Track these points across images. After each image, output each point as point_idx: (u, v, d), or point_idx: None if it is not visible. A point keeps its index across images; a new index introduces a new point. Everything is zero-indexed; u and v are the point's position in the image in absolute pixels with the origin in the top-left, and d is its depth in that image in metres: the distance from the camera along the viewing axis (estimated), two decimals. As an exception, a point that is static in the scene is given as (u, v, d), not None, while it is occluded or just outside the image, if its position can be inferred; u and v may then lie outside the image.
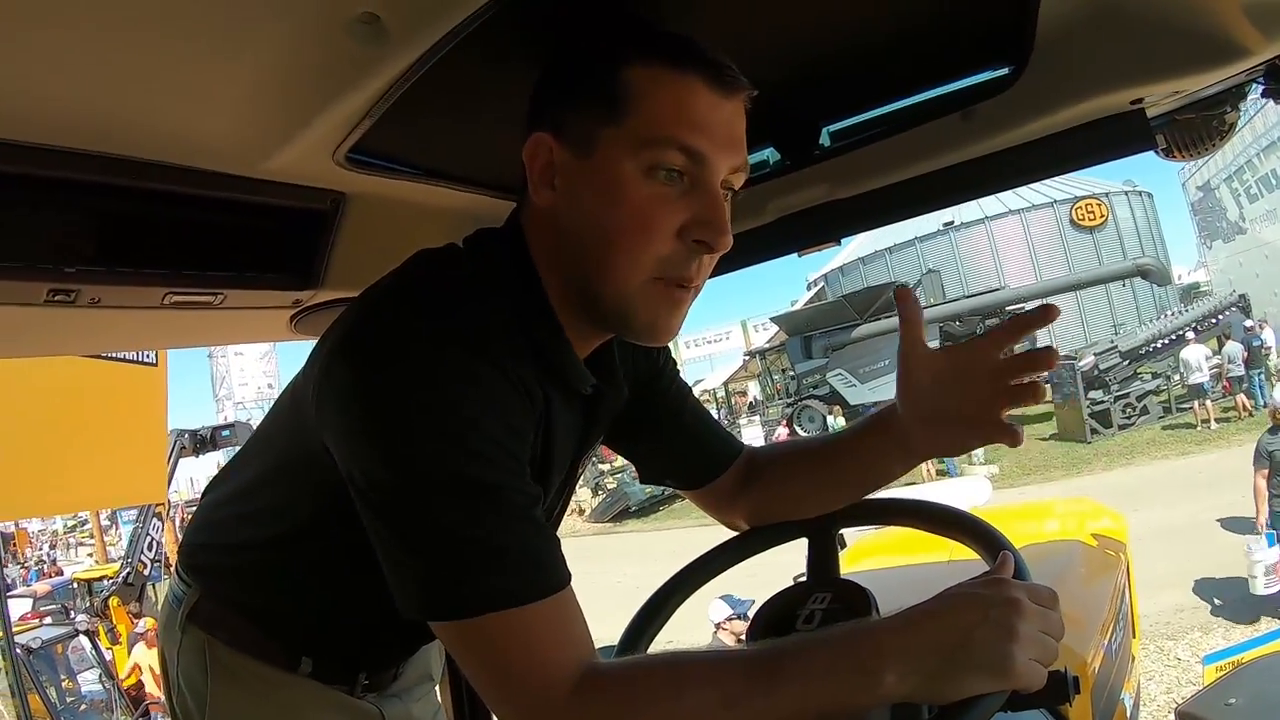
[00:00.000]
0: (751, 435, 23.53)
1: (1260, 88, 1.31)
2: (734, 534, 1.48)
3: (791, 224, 1.61)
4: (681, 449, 1.43)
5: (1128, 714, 3.21)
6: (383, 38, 0.86)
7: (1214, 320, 20.40)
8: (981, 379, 1.19)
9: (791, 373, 28.46)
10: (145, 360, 9.87)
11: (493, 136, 1.28)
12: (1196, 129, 1.45)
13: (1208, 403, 17.71)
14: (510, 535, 0.88)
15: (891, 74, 1.37)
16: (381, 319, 0.95)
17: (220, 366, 51.89)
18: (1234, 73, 1.24)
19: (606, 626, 1.39)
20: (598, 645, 0.93)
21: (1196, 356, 17.90)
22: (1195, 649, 7.32)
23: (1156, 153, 1.48)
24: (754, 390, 36.57)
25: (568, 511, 1.36)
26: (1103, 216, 29.33)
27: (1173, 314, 22.24)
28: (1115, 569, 3.67)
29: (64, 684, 9.99)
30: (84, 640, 10.45)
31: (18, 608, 12.13)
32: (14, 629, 8.33)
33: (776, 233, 1.62)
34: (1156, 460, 16.40)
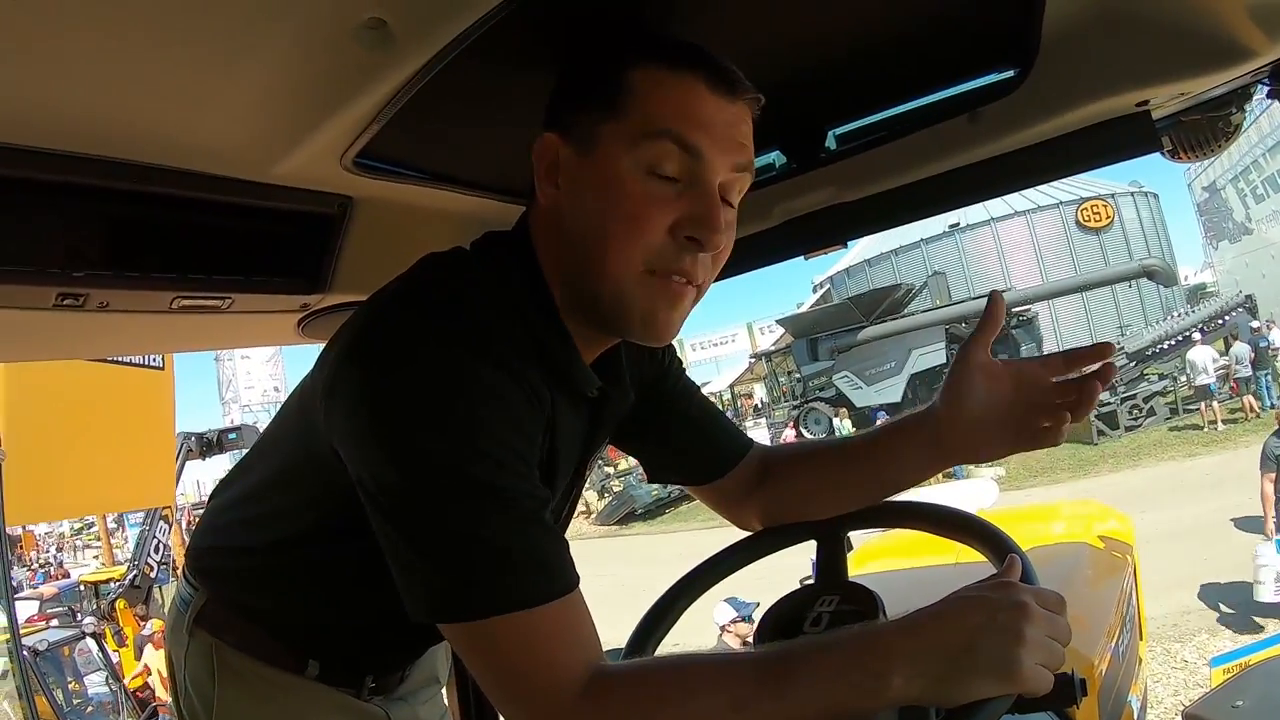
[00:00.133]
0: (757, 437, 23.25)
1: (1265, 89, 1.31)
2: (742, 536, 1.48)
3: (798, 227, 1.61)
4: (689, 444, 1.43)
5: (1134, 717, 3.21)
6: (389, 43, 0.87)
7: (1220, 321, 20.33)
8: (1034, 394, 1.21)
9: (797, 375, 28.47)
10: (152, 364, 9.90)
11: (499, 141, 1.29)
12: (1202, 130, 1.44)
13: (1214, 404, 17.65)
14: (519, 537, 0.88)
15: (897, 77, 1.36)
16: (389, 322, 0.95)
17: (227, 370, 52.04)
18: (1239, 74, 1.24)
19: (613, 629, 1.39)
20: (605, 648, 0.94)
21: (1203, 358, 17.86)
22: (1202, 651, 7.29)
23: (1162, 154, 1.48)
24: (760, 393, 36.57)
25: (574, 514, 1.36)
26: (1109, 218, 29.25)
27: (1179, 315, 22.19)
28: (1122, 571, 3.66)
29: (70, 686, 10.01)
30: (91, 642, 10.47)
31: (25, 610, 12.16)
32: (21, 631, 8.33)
33: (783, 235, 1.62)
34: (1163, 462, 16.35)
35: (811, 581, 1.34)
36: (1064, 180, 26.30)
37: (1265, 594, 7.56)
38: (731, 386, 40.90)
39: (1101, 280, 24.71)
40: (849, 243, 1.73)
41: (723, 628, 6.59)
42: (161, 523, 13.57)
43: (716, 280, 1.13)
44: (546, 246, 1.07)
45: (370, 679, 1.28)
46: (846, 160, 1.48)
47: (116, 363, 9.12)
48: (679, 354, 1.46)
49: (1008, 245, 29.43)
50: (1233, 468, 12.92)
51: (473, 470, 0.87)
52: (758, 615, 1.23)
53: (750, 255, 1.63)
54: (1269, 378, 17.87)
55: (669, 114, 0.96)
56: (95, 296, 1.15)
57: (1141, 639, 3.72)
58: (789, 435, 24.63)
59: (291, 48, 0.87)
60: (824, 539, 1.38)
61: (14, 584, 10.44)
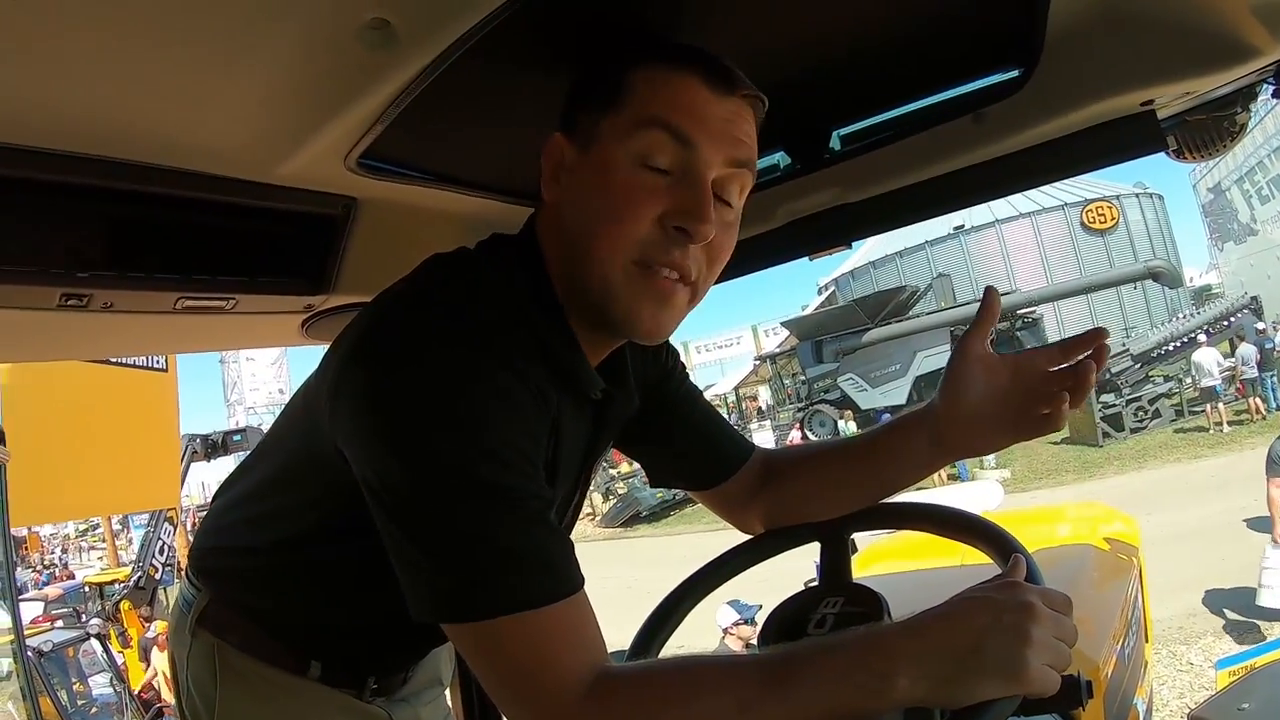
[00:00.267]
0: (762, 440, 23.50)
1: (1270, 88, 1.31)
2: (746, 538, 1.47)
3: (802, 228, 1.61)
4: (692, 450, 1.43)
5: (1140, 719, 3.19)
6: (393, 43, 0.87)
7: (1226, 323, 20.30)
8: (1032, 383, 1.21)
9: (802, 377, 28.51)
10: (156, 366, 9.94)
11: (504, 141, 1.29)
12: (1207, 130, 1.44)
13: (1220, 405, 17.61)
14: (524, 538, 0.88)
15: (901, 77, 1.36)
16: (395, 322, 0.95)
17: (232, 372, 52.16)
18: (1244, 73, 1.24)
19: (618, 631, 1.39)
20: (609, 650, 0.93)
21: (1208, 359, 17.82)
22: (1208, 653, 7.25)
23: (1167, 154, 1.48)
24: (765, 395, 36.55)
25: (579, 516, 1.36)
26: (1114, 219, 29.25)
27: (1184, 316, 22.16)
28: (1128, 573, 3.64)
29: (75, 687, 10.04)
30: (95, 643, 10.50)
31: (29, 611, 12.20)
32: (25, 632, 8.35)
33: (787, 237, 1.62)
34: (1169, 464, 16.32)
35: (816, 584, 1.33)
36: (1068, 181, 26.50)
37: (1270, 599, 7.44)
38: (736, 389, 40.90)
39: (1107, 282, 24.68)
40: (854, 244, 1.73)
41: (725, 630, 6.61)
42: (166, 524, 13.59)
43: (720, 281, 1.13)
44: (550, 247, 1.07)
45: (373, 680, 1.28)
46: (851, 161, 1.48)
47: (120, 364, 9.16)
48: (683, 357, 1.45)
49: (1012, 247, 29.46)
50: (1239, 469, 12.89)
51: (478, 470, 0.87)
52: (760, 618, 1.23)
53: (754, 256, 1.63)
54: (1275, 379, 17.82)
55: (663, 105, 0.97)
56: (99, 297, 1.15)
57: (1147, 641, 3.70)
58: (795, 437, 24.64)
59: (295, 48, 0.87)
60: (828, 540, 1.38)
61: (19, 585, 10.47)
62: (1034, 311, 24.05)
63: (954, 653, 0.86)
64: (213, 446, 13.66)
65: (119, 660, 11.15)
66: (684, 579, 1.44)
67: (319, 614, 1.19)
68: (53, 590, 18.49)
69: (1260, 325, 19.50)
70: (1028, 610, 0.88)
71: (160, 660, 11.04)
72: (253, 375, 51.82)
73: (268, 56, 0.88)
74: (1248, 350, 18.09)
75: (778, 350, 33.82)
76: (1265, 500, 8.02)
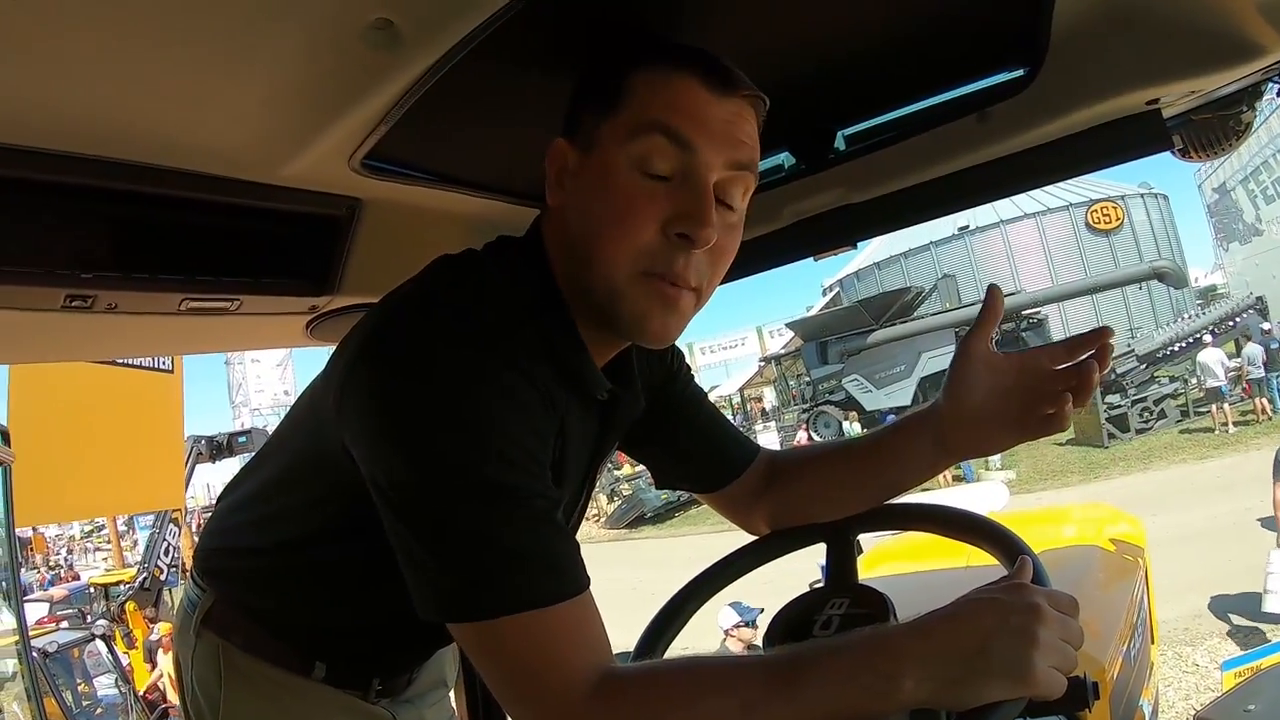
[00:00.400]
0: (768, 441, 23.46)
1: (1276, 87, 1.31)
2: (751, 539, 1.47)
3: (807, 228, 1.60)
4: (697, 452, 1.43)
5: (1146, 720, 3.19)
6: (397, 44, 0.87)
7: (1231, 323, 20.26)
8: (1036, 382, 1.20)
9: (807, 379, 28.52)
10: (162, 367, 9.97)
11: (509, 142, 1.29)
12: (1213, 129, 1.44)
13: (1225, 406, 17.56)
14: (530, 537, 0.88)
15: (906, 77, 1.36)
16: (402, 323, 0.95)
17: (237, 373, 52.26)
18: (1250, 71, 1.23)
19: (624, 632, 1.39)
20: (614, 651, 0.93)
21: (1214, 360, 17.77)
22: (1214, 655, 7.23)
23: (1173, 153, 1.47)
24: (770, 396, 36.53)
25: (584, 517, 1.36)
26: (1118, 219, 29.21)
27: (1190, 317, 22.09)
28: (1133, 574, 3.63)
29: (80, 688, 10.04)
30: (100, 645, 10.51)
31: (35, 612, 12.20)
32: (31, 633, 8.36)
33: (792, 237, 1.62)
34: (1174, 464, 16.28)
35: (821, 585, 1.33)
36: (1073, 182, 26.46)
37: (1276, 605, 7.36)
38: (741, 390, 40.86)
39: (1112, 282, 24.65)
40: (858, 244, 1.72)
41: (726, 632, 6.63)
42: (171, 525, 13.63)
43: (725, 282, 1.13)
44: (555, 250, 1.07)
45: (377, 681, 1.28)
46: (855, 161, 1.48)
47: (126, 365, 9.19)
48: (688, 358, 1.45)
49: (1017, 248, 29.43)
50: (1244, 470, 12.86)
51: (485, 470, 0.87)
52: (762, 621, 1.22)
53: (759, 257, 1.63)
54: (1281, 379, 17.78)
55: (661, 109, 0.97)
56: (103, 298, 1.16)
57: (1153, 642, 3.69)
58: (801, 438, 24.62)
59: (299, 48, 0.87)
60: (834, 541, 1.38)
61: (24, 586, 10.49)
62: (1039, 312, 24.02)
63: (960, 654, 0.86)
64: (218, 448, 13.70)
65: (124, 661, 11.16)
66: (690, 579, 1.44)
67: (323, 615, 1.19)
68: (58, 591, 18.52)
69: (1266, 325, 19.40)
70: (1034, 612, 0.87)
71: (165, 662, 11.06)
72: (258, 377, 51.92)
73: (271, 57, 0.88)
74: (1254, 350, 18.04)
75: (783, 351, 33.86)
76: (1271, 502, 8.00)
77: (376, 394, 0.91)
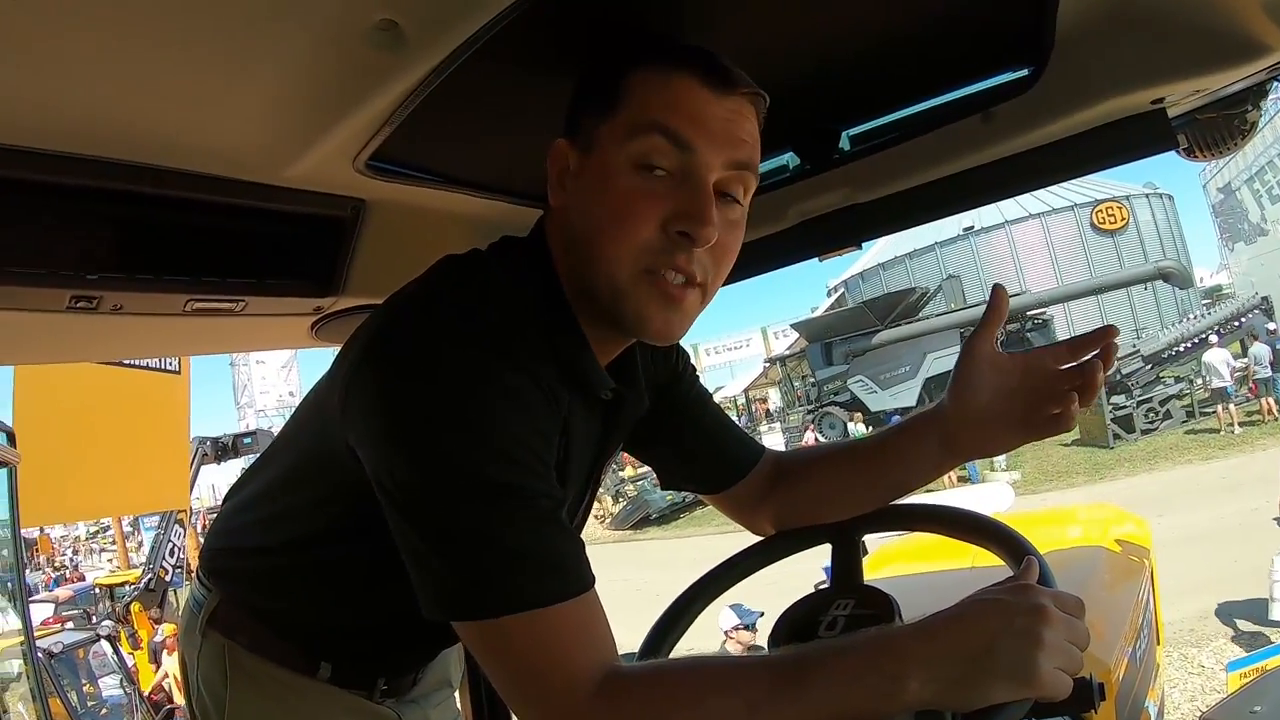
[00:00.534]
0: (772, 442, 23.43)
1: (1281, 86, 1.30)
2: (756, 540, 1.47)
3: (811, 229, 1.60)
4: (702, 453, 1.43)
5: (1152, 722, 3.18)
6: (401, 45, 0.87)
7: (1237, 323, 20.15)
8: (1041, 382, 1.20)
9: (812, 380, 28.46)
10: (169, 368, 9.98)
11: (513, 143, 1.29)
12: (1218, 128, 1.43)
13: (1231, 406, 17.49)
14: (534, 537, 0.88)
15: (910, 77, 1.36)
16: (408, 324, 0.95)
17: (242, 375, 52.38)
18: (1255, 70, 1.23)
19: (630, 633, 1.38)
20: (620, 651, 0.93)
21: (1220, 360, 17.71)
22: (1219, 656, 7.20)
23: (1178, 153, 1.47)
24: (775, 397, 36.47)
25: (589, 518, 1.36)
26: (1123, 219, 29.13)
27: (1195, 317, 22.00)
28: (1139, 575, 3.62)
29: (85, 688, 10.04)
30: (105, 645, 10.51)
31: (40, 612, 12.23)
32: (36, 633, 8.38)
33: (796, 237, 1.62)
34: (1180, 465, 16.23)
35: (826, 586, 1.33)
36: (1078, 182, 26.40)
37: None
38: (746, 391, 40.79)
39: (1117, 283, 24.55)
40: (863, 245, 1.72)
41: (726, 634, 6.62)
42: (176, 526, 13.67)
43: (729, 283, 1.13)
44: (558, 249, 1.07)
45: (382, 681, 1.28)
46: (860, 161, 1.48)
47: (133, 366, 9.20)
48: (693, 359, 1.45)
49: (1022, 248, 29.35)
50: (1250, 470, 12.83)
51: (490, 470, 0.87)
52: (762, 625, 1.22)
53: (764, 257, 1.62)
54: (1288, 379, 17.71)
55: (659, 109, 0.97)
56: (108, 299, 1.16)
57: (1159, 644, 3.68)
58: (810, 439, 24.57)
59: (303, 49, 0.87)
60: (839, 542, 1.38)
61: (29, 587, 10.50)
62: (1044, 313, 23.95)
63: (966, 655, 0.85)
64: (223, 449, 13.72)
65: (129, 662, 11.17)
66: (695, 580, 1.44)
67: (328, 614, 1.20)
68: (63, 592, 18.58)
69: (1272, 325, 19.32)
70: (1040, 613, 0.87)
71: (170, 662, 11.08)
72: (263, 378, 52.02)
73: (276, 58, 0.88)
74: (1260, 350, 17.96)
75: (787, 352, 33.79)
76: (1278, 507, 7.97)
77: (381, 394, 0.92)
